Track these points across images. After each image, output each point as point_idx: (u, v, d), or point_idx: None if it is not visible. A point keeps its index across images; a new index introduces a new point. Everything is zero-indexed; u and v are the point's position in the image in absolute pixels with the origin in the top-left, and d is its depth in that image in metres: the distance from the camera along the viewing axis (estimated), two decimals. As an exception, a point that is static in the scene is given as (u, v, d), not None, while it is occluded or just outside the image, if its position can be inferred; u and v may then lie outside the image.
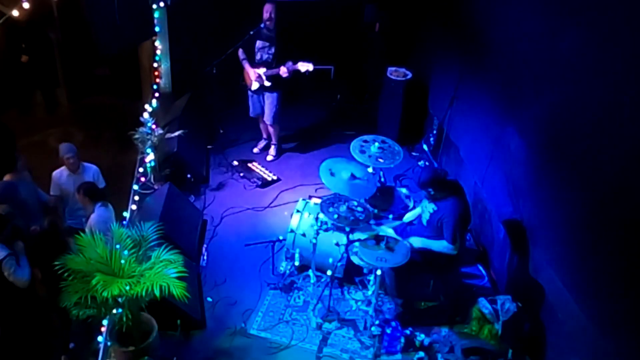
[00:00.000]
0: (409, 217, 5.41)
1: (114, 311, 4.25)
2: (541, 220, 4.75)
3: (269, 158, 7.30)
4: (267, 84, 6.73)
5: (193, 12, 7.65)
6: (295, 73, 6.62)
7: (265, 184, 6.88)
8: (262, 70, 6.67)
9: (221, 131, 7.62)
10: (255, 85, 6.81)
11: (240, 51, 6.78)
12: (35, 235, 5.12)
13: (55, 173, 5.66)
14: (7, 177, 5.32)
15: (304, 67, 6.53)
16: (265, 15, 6.46)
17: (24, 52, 7.94)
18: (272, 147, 7.33)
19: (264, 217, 6.39)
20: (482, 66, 5.90)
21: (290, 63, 6.53)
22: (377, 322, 4.97)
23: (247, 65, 6.76)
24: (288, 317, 5.23)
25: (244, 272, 5.66)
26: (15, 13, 4.59)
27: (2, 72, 8.10)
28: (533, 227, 4.84)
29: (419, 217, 5.16)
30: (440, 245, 4.86)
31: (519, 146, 5.06)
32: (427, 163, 7.24)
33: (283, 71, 6.53)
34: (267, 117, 7.00)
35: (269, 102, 6.89)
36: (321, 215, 5.12)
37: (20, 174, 5.39)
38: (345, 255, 5.09)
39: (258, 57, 6.71)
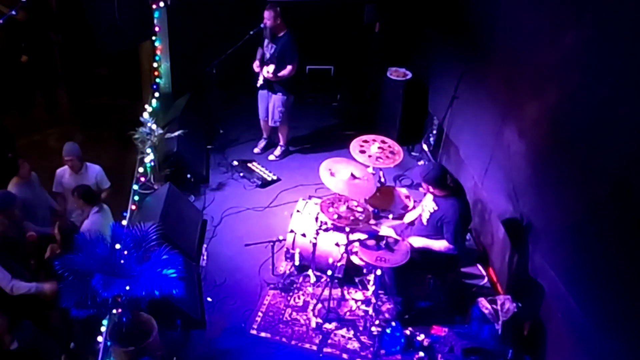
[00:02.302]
0: (409, 217, 5.41)
1: (114, 311, 4.24)
2: (541, 220, 4.75)
3: (271, 158, 7.30)
4: (260, 82, 6.80)
5: (193, 12, 7.65)
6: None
7: (265, 184, 6.88)
8: (264, 69, 6.75)
9: (221, 131, 7.62)
10: (259, 81, 6.85)
11: (259, 49, 6.83)
12: (34, 240, 5.13)
13: (58, 171, 5.73)
14: (14, 181, 5.31)
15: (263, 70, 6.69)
16: (269, 23, 6.52)
17: (24, 52, 7.93)
18: (278, 148, 7.33)
19: (264, 217, 6.39)
20: (482, 66, 5.89)
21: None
22: (377, 322, 4.97)
23: (255, 62, 6.82)
24: (288, 317, 5.24)
25: (244, 272, 5.66)
26: (14, 13, 4.58)
27: (2, 72, 8.09)
28: (533, 227, 4.84)
29: (419, 216, 5.16)
30: (441, 245, 4.85)
31: (519, 146, 5.06)
32: (426, 163, 7.23)
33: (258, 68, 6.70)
34: (270, 119, 7.02)
35: (273, 103, 6.94)
36: (321, 215, 5.13)
37: (27, 178, 5.39)
38: (345, 255, 5.09)
39: (266, 55, 6.76)
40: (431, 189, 4.86)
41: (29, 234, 5.15)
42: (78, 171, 5.68)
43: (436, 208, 4.87)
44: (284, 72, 6.64)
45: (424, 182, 4.87)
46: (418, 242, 4.93)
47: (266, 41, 6.72)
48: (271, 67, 6.59)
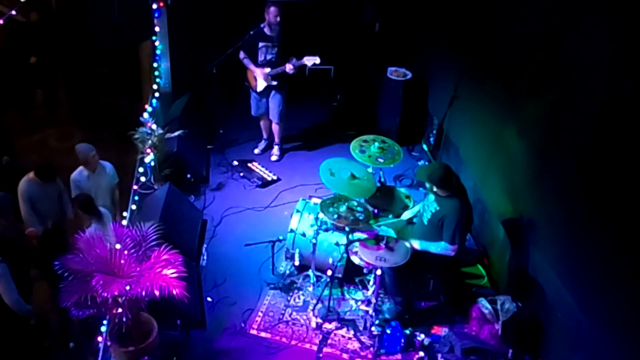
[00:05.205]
0: (406, 214, 5.39)
1: (114, 311, 4.24)
2: (541, 219, 4.75)
3: (273, 158, 7.30)
4: (273, 83, 6.73)
5: (193, 12, 7.65)
6: (301, 69, 6.62)
7: (265, 184, 6.88)
8: (266, 70, 6.67)
9: (221, 131, 7.62)
10: (261, 86, 6.80)
11: (241, 52, 6.78)
12: (36, 237, 5.12)
13: (74, 176, 5.51)
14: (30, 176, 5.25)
15: (310, 61, 6.51)
16: (276, 20, 6.45)
17: (33, 54, 7.92)
18: (276, 147, 7.33)
19: (264, 217, 6.39)
20: (482, 66, 5.89)
21: (294, 59, 6.53)
22: (377, 322, 4.97)
23: (251, 66, 6.76)
24: (288, 317, 5.24)
25: (244, 272, 5.66)
26: (14, 13, 4.59)
27: (5, 72, 8.09)
28: (533, 226, 4.84)
29: (420, 216, 5.15)
30: (439, 247, 4.83)
31: (519, 146, 5.06)
32: (426, 163, 7.23)
33: (289, 68, 6.53)
34: (273, 116, 7.00)
35: (275, 101, 6.90)
36: (321, 215, 5.12)
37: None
38: (345, 255, 5.09)
39: (261, 57, 6.69)
40: (435, 189, 4.84)
41: (28, 230, 5.13)
42: (96, 169, 5.57)
43: (438, 208, 4.85)
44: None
45: (428, 181, 4.85)
46: (416, 244, 4.91)
47: (262, 43, 6.61)
48: (316, 59, 6.47)
